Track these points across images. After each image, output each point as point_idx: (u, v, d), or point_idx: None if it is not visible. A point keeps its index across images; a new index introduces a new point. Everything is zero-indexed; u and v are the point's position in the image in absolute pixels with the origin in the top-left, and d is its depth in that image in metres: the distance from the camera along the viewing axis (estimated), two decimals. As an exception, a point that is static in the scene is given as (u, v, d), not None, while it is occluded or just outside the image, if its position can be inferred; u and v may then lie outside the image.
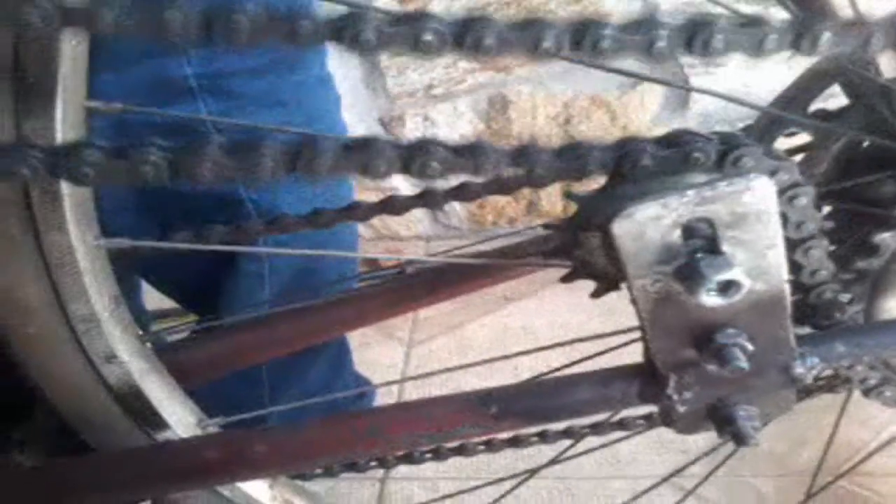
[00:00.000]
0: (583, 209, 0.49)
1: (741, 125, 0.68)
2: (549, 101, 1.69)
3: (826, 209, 0.62)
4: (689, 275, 0.45)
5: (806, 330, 0.58)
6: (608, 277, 0.52)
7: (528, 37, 0.41)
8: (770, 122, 0.58)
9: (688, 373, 0.53)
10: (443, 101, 1.69)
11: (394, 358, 1.38)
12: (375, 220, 1.67)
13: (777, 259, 0.47)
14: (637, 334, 0.59)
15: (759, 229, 0.46)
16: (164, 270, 0.93)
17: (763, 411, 0.56)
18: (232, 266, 0.90)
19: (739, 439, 0.55)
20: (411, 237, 1.75)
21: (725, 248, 0.46)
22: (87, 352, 0.53)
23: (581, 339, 0.62)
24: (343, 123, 0.97)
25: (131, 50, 0.74)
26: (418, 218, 1.71)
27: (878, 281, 0.57)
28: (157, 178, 0.41)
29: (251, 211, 0.84)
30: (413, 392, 1.30)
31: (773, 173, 0.47)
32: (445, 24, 0.40)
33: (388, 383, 1.29)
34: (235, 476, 0.57)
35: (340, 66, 1.46)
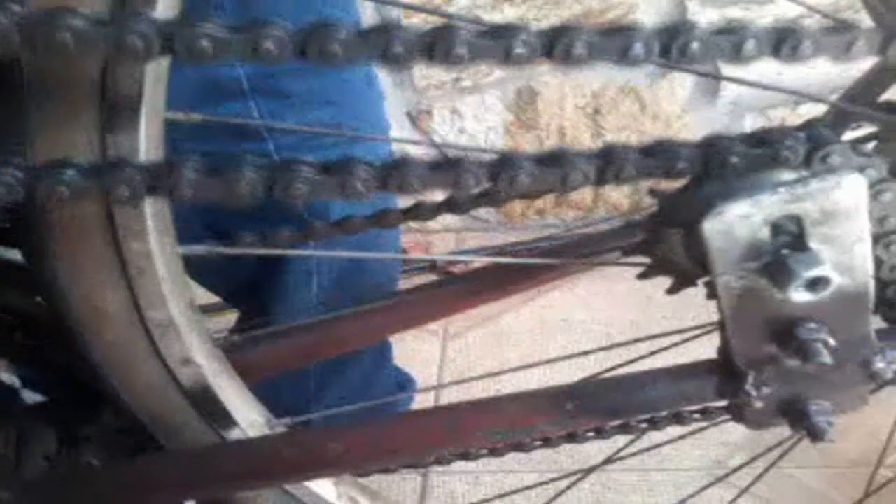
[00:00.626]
0: (667, 207, 0.49)
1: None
2: (578, 91, 1.68)
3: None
4: (779, 272, 0.45)
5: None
6: (686, 274, 0.51)
7: (616, 44, 0.41)
8: (838, 115, 0.58)
9: (767, 368, 0.52)
10: (471, 94, 1.68)
11: (431, 352, 1.38)
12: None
13: (863, 254, 0.47)
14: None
15: (847, 225, 0.45)
16: (215, 269, 0.93)
17: (837, 406, 0.56)
18: (280, 264, 0.90)
19: (814, 435, 0.54)
20: (440, 230, 1.74)
21: (813, 244, 0.45)
22: (163, 355, 0.53)
23: (649, 338, 0.61)
24: (388, 122, 0.97)
25: None
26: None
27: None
28: (251, 195, 0.41)
29: (303, 211, 0.84)
30: (452, 387, 1.30)
31: (861, 170, 0.47)
32: (535, 34, 0.40)
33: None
34: (309, 474, 0.57)
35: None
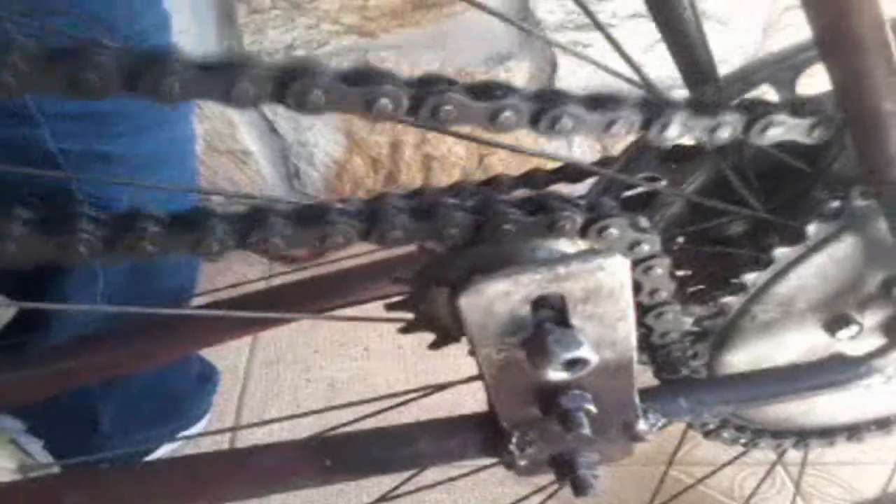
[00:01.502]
0: (436, 264, 0.46)
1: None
2: (415, 70, 1.63)
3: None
4: (536, 350, 0.43)
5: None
6: (449, 332, 0.49)
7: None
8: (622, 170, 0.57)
9: (531, 430, 0.51)
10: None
11: (241, 340, 1.31)
12: (226, 184, 1.57)
13: (626, 330, 0.46)
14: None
15: (610, 304, 0.44)
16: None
17: (603, 457, 0.56)
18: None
19: (579, 488, 0.54)
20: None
21: (575, 321, 0.44)
22: None
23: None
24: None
25: None
26: (272, 183, 1.62)
27: (721, 338, 0.57)
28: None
29: (83, 199, 0.76)
30: (261, 377, 1.25)
31: (634, 244, 0.46)
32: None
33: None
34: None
35: (194, 21, 1.35)
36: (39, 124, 0.69)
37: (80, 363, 0.59)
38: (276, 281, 0.68)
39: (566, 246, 0.45)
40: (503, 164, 1.55)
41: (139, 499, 0.50)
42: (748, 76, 0.53)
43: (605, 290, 0.43)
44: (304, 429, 1.14)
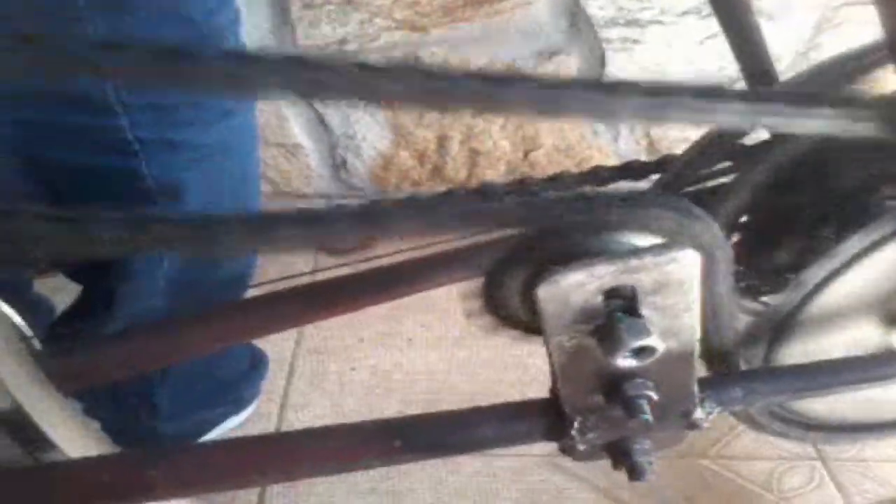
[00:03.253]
0: (511, 256, 0.48)
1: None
2: (463, 64, 1.65)
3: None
4: (607, 338, 0.45)
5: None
6: (529, 326, 0.51)
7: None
8: (685, 167, 0.59)
9: (593, 416, 0.53)
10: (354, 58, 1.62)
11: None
12: (275, 175, 1.61)
13: (691, 321, 0.48)
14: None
15: (679, 296, 0.46)
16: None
17: (658, 444, 0.58)
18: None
19: (635, 474, 0.56)
20: (313, 195, 1.70)
21: (644, 311, 0.46)
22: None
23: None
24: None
25: None
26: (319, 174, 1.66)
27: (779, 330, 0.59)
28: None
29: (152, 188, 0.79)
30: (305, 365, 1.28)
31: (698, 239, 0.47)
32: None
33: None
34: (126, 502, 0.54)
35: (249, 14, 1.38)
36: (119, 115, 0.72)
37: (138, 350, 0.62)
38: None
39: (638, 239, 0.47)
40: (548, 158, 1.57)
41: (228, 471, 0.53)
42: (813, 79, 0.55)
43: (675, 283, 0.45)
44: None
